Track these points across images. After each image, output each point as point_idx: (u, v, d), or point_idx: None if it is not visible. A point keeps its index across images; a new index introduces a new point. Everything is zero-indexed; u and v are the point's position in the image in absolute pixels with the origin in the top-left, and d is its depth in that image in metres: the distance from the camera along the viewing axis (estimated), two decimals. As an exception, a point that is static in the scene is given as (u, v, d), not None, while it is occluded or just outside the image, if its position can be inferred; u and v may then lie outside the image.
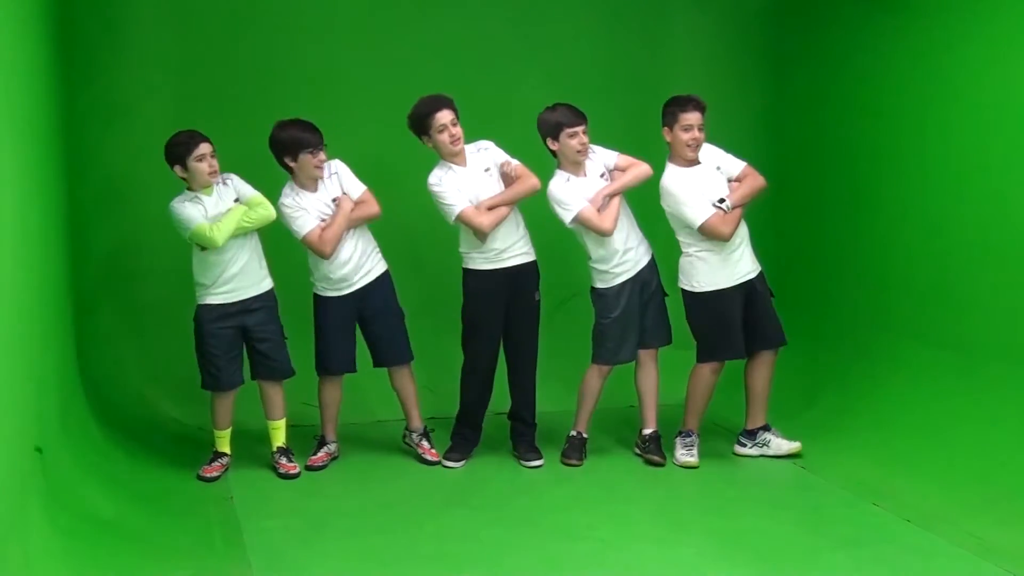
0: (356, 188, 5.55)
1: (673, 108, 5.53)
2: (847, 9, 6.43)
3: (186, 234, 5.32)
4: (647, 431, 5.80)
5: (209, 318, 5.41)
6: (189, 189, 5.37)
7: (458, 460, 5.71)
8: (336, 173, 5.55)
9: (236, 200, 5.37)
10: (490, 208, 5.50)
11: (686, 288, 5.68)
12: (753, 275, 5.67)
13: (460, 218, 5.50)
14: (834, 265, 6.63)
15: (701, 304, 5.66)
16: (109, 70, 6.22)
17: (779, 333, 5.79)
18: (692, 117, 5.48)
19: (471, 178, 5.55)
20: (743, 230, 5.62)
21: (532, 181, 5.54)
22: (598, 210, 5.52)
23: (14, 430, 3.51)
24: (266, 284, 5.51)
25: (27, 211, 4.02)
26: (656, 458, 5.69)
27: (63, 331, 5.15)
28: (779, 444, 5.74)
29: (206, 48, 6.40)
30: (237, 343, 5.47)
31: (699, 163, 5.58)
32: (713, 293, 5.62)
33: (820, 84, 6.73)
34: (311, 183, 5.49)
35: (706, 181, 5.57)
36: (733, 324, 5.65)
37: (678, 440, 5.76)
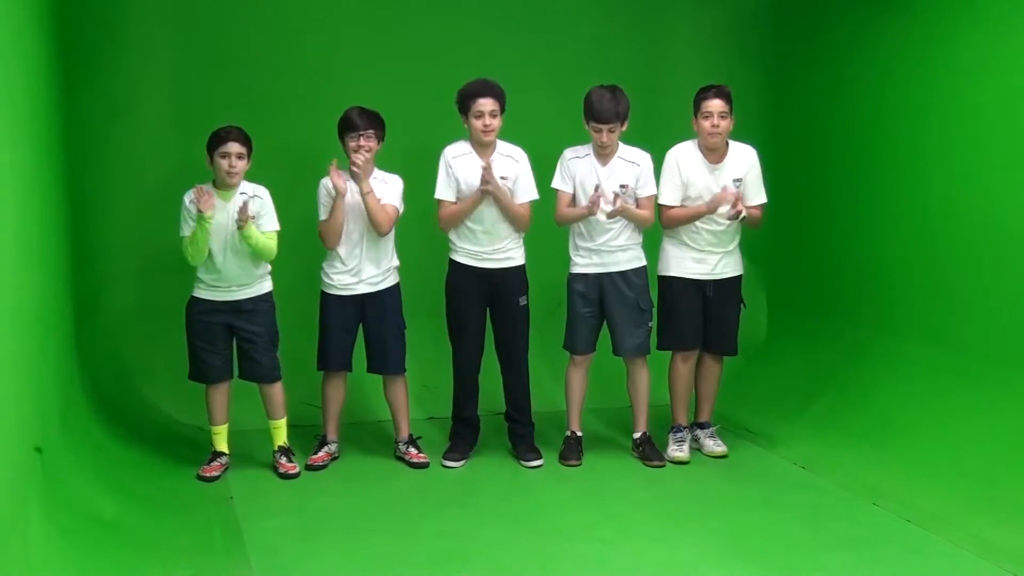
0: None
1: (697, 97, 5.60)
2: (846, 10, 6.43)
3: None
4: (636, 435, 5.83)
5: (197, 310, 5.45)
6: (213, 183, 5.37)
7: (457, 460, 5.71)
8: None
9: (251, 216, 5.29)
10: (454, 209, 5.57)
11: (659, 273, 5.79)
12: (716, 277, 5.68)
13: (437, 201, 5.61)
14: (833, 265, 6.63)
15: (661, 288, 5.77)
16: (109, 70, 6.22)
17: (725, 342, 5.83)
18: (712, 104, 5.52)
19: (479, 173, 5.53)
20: (723, 231, 5.64)
21: (520, 211, 5.57)
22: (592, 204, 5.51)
23: (14, 430, 3.50)
24: (263, 287, 5.48)
25: (27, 211, 4.02)
26: (654, 461, 5.71)
27: (63, 331, 5.14)
28: (707, 444, 5.83)
29: (206, 48, 6.40)
30: (224, 339, 5.47)
31: (721, 161, 5.60)
32: (667, 279, 5.73)
33: (819, 85, 6.74)
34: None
35: (705, 180, 5.57)
36: (682, 314, 5.69)
37: (669, 436, 5.81)
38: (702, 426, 5.90)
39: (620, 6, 7.12)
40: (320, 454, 5.67)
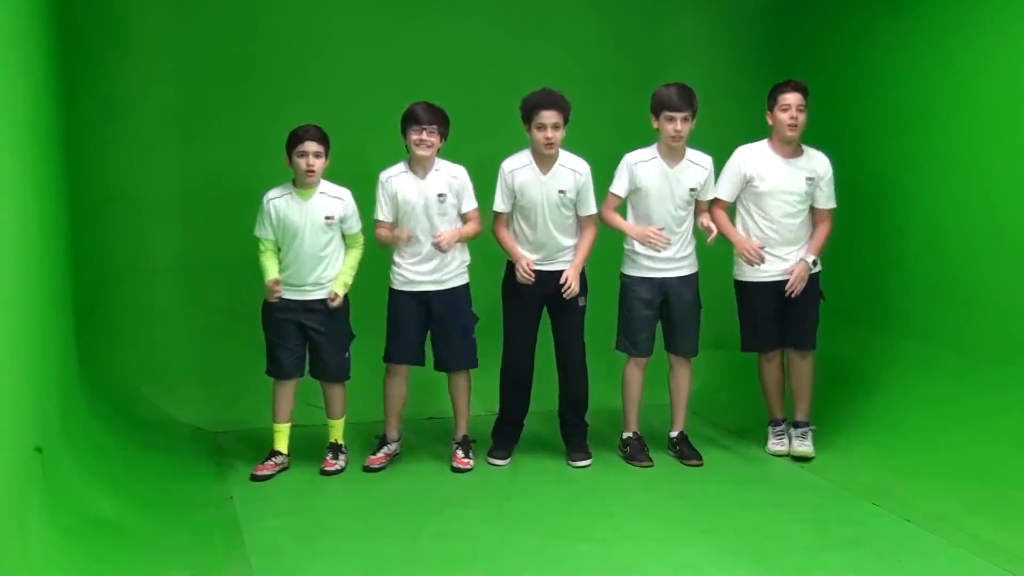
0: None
1: (773, 91, 5.62)
2: (847, 11, 6.43)
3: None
4: (673, 433, 5.87)
5: (271, 307, 5.45)
6: (293, 182, 5.38)
7: (503, 458, 5.74)
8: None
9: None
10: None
11: (736, 278, 5.78)
12: (788, 275, 5.70)
13: (494, 213, 5.61)
14: (834, 266, 6.61)
15: (740, 293, 5.79)
16: (109, 70, 6.22)
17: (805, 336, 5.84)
18: (791, 97, 5.54)
19: (539, 186, 5.53)
20: (796, 226, 5.69)
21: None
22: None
23: (14, 430, 3.50)
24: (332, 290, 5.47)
25: (27, 211, 4.01)
26: (691, 460, 5.72)
27: (63, 331, 5.14)
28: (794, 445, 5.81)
29: (206, 48, 6.40)
30: (296, 337, 5.46)
31: (796, 156, 5.63)
32: (742, 283, 5.76)
33: (820, 86, 6.70)
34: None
35: (779, 174, 5.60)
36: (759, 316, 5.74)
37: (769, 429, 5.88)
38: (796, 425, 5.85)
39: (620, 6, 7.12)
40: (379, 455, 5.63)
